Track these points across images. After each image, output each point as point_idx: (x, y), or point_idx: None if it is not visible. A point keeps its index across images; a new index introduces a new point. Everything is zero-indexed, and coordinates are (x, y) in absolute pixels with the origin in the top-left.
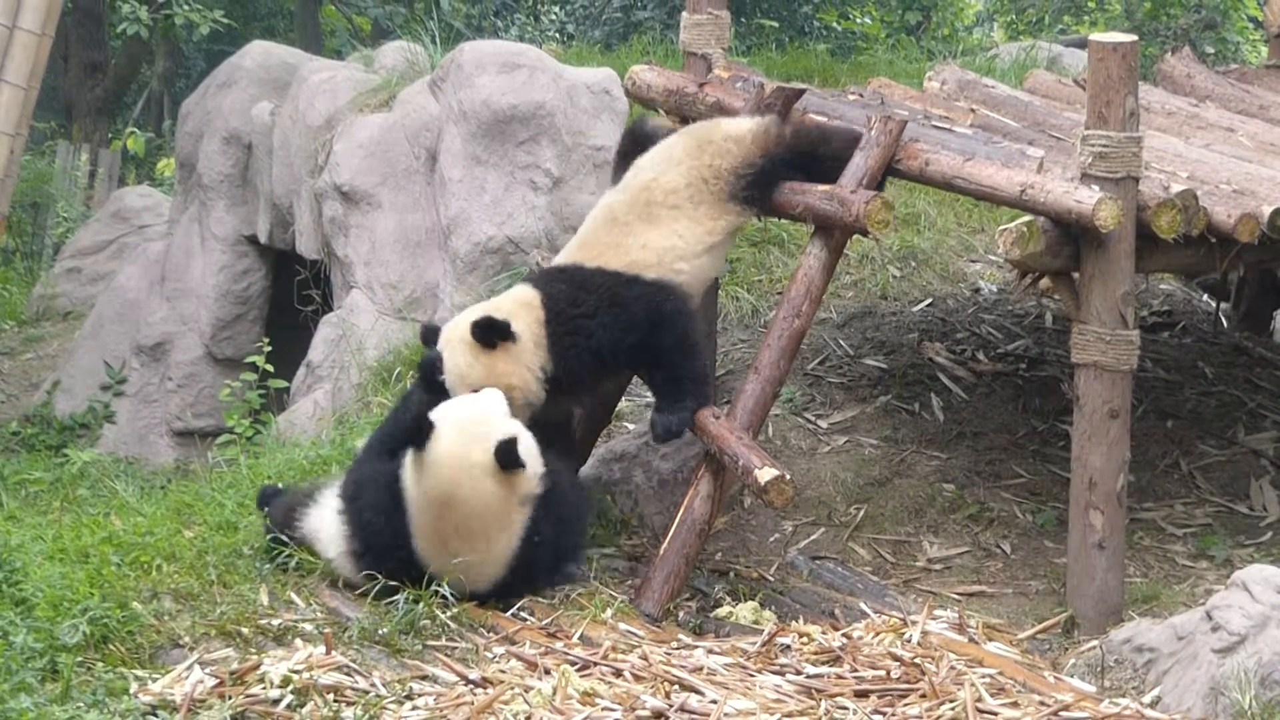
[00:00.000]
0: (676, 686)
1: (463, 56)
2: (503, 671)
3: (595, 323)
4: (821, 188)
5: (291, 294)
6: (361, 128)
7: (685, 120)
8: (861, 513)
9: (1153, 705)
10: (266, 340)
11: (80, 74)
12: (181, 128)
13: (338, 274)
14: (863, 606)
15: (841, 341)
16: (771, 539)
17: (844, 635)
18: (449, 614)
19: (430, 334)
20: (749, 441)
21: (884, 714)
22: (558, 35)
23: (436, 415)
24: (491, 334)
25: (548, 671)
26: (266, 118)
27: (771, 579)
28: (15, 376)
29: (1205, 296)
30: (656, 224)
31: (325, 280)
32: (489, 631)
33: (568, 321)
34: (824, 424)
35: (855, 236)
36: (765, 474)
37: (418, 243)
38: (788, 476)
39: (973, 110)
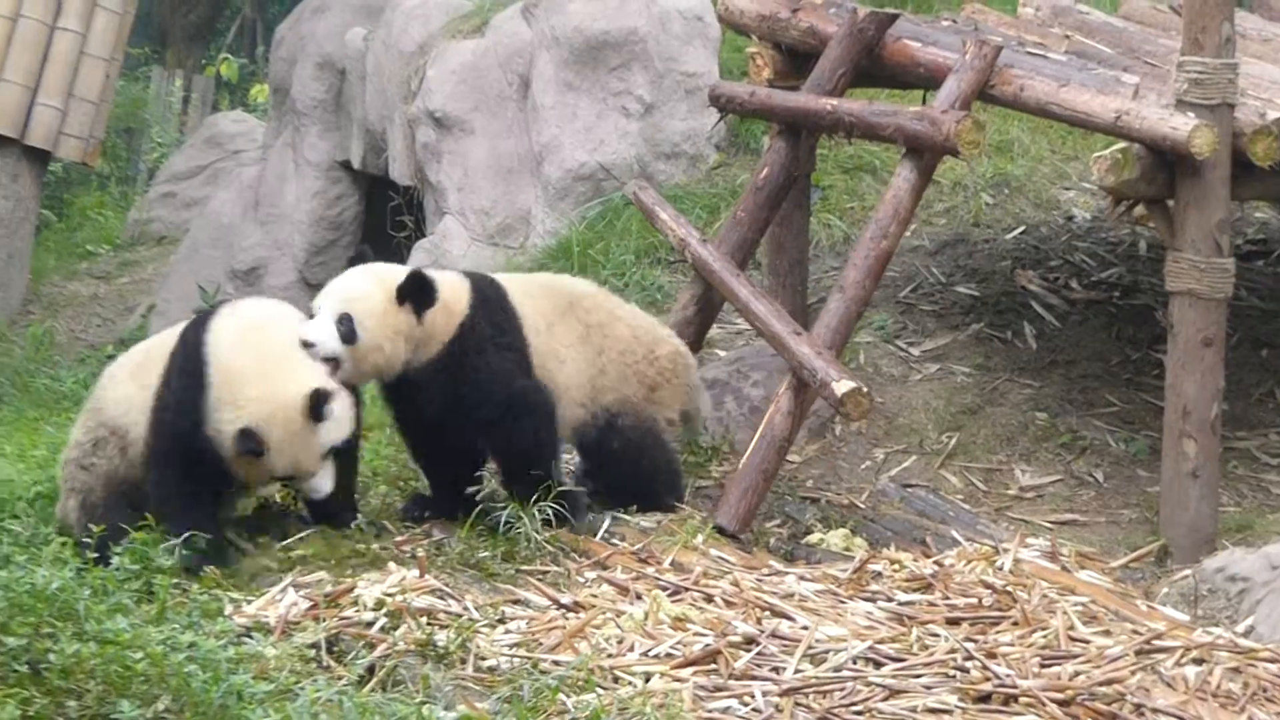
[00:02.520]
0: (767, 612)
1: None
2: (594, 596)
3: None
4: (912, 109)
5: (384, 219)
6: (454, 54)
7: (777, 47)
8: (953, 441)
9: (1246, 634)
10: None
11: None
12: (275, 53)
13: (430, 200)
14: (954, 534)
15: (934, 269)
16: (863, 466)
17: (935, 563)
18: (542, 538)
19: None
20: (828, 356)
21: (975, 641)
22: None
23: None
24: (417, 295)
25: (639, 597)
26: (360, 43)
27: (863, 506)
28: (110, 301)
29: None
30: None
31: (418, 206)
32: (581, 556)
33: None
34: (916, 351)
35: (949, 162)
36: (842, 386)
37: (510, 169)
38: (865, 389)
39: (1067, 36)
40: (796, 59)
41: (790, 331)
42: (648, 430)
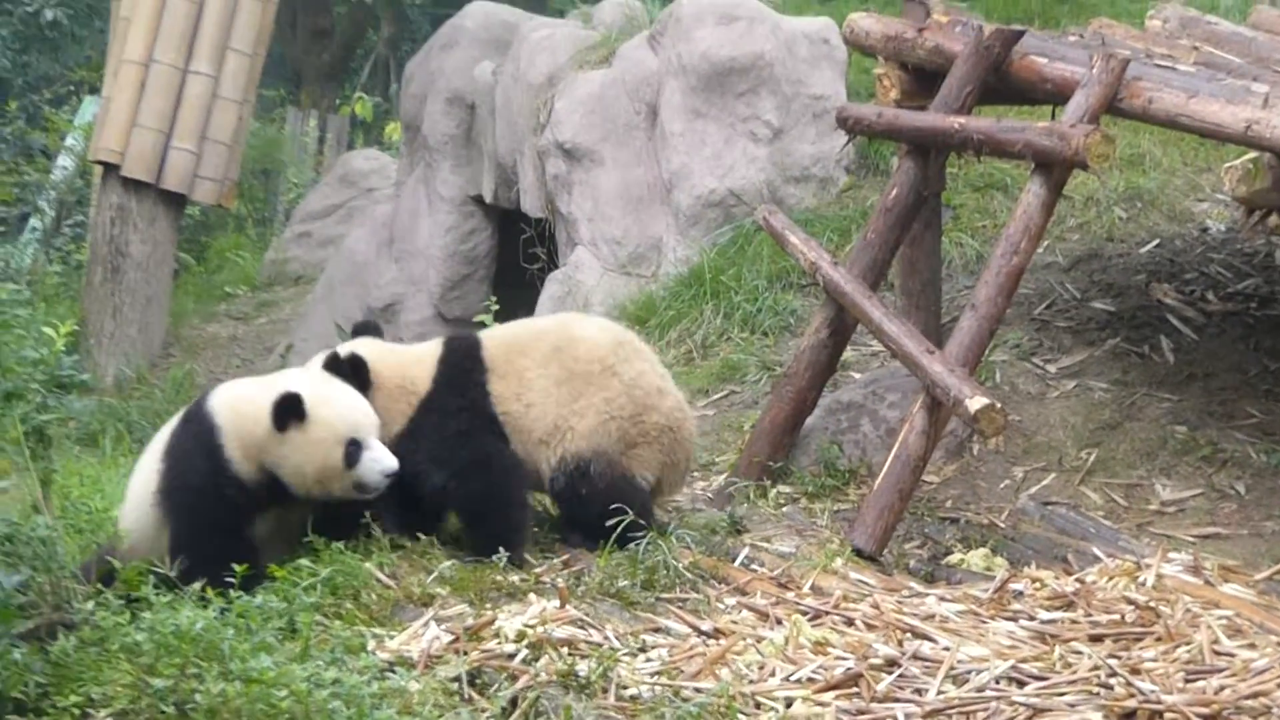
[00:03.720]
0: (908, 634)
1: (681, 10)
2: (735, 622)
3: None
4: (1040, 124)
5: (517, 252)
6: (582, 84)
7: (904, 68)
8: (1092, 457)
9: None
10: (494, 299)
11: (307, 41)
12: (406, 90)
13: (562, 231)
14: (1095, 551)
15: (1068, 285)
16: (1002, 485)
17: (1077, 580)
18: (682, 564)
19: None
20: (961, 374)
21: (1119, 658)
22: None
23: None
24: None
25: (779, 621)
26: (489, 77)
27: (1002, 525)
28: (249, 341)
29: None
30: None
31: (550, 238)
32: (721, 583)
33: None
34: (1052, 368)
35: (1080, 177)
36: (975, 403)
37: (640, 198)
38: (998, 405)
39: (1195, 48)
40: (923, 78)
41: (923, 350)
42: (619, 481)
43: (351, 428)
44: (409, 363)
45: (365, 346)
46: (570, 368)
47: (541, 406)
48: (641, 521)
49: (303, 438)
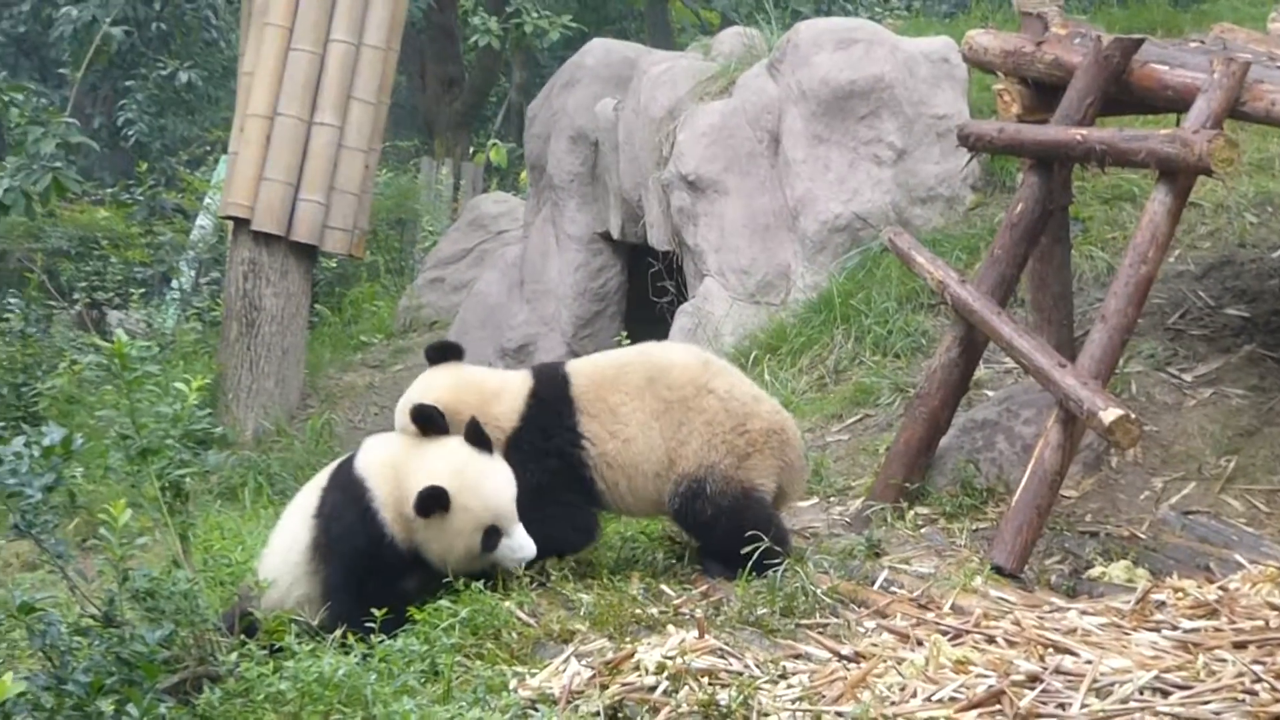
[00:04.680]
0: (1050, 649)
1: (799, 36)
2: (875, 645)
3: None
4: (1163, 131)
5: (646, 287)
6: (703, 115)
7: (1024, 82)
8: (1232, 464)
9: None
10: (625, 335)
11: (437, 89)
12: (529, 130)
13: (690, 263)
14: (1238, 558)
15: (1201, 293)
16: (1141, 496)
17: (1220, 588)
18: (821, 590)
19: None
20: (1094, 386)
21: (1263, 664)
22: (906, 12)
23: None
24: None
25: (920, 642)
26: (610, 113)
27: (1143, 536)
28: (386, 389)
29: None
30: None
31: (678, 270)
32: (860, 606)
33: None
34: (1188, 377)
35: (1209, 184)
36: (1109, 414)
37: (766, 226)
38: (1133, 416)
39: None
40: (1044, 92)
41: (1054, 364)
42: (739, 495)
43: (493, 515)
44: (490, 398)
45: (442, 382)
46: (665, 397)
47: (644, 440)
48: (776, 547)
49: (444, 524)
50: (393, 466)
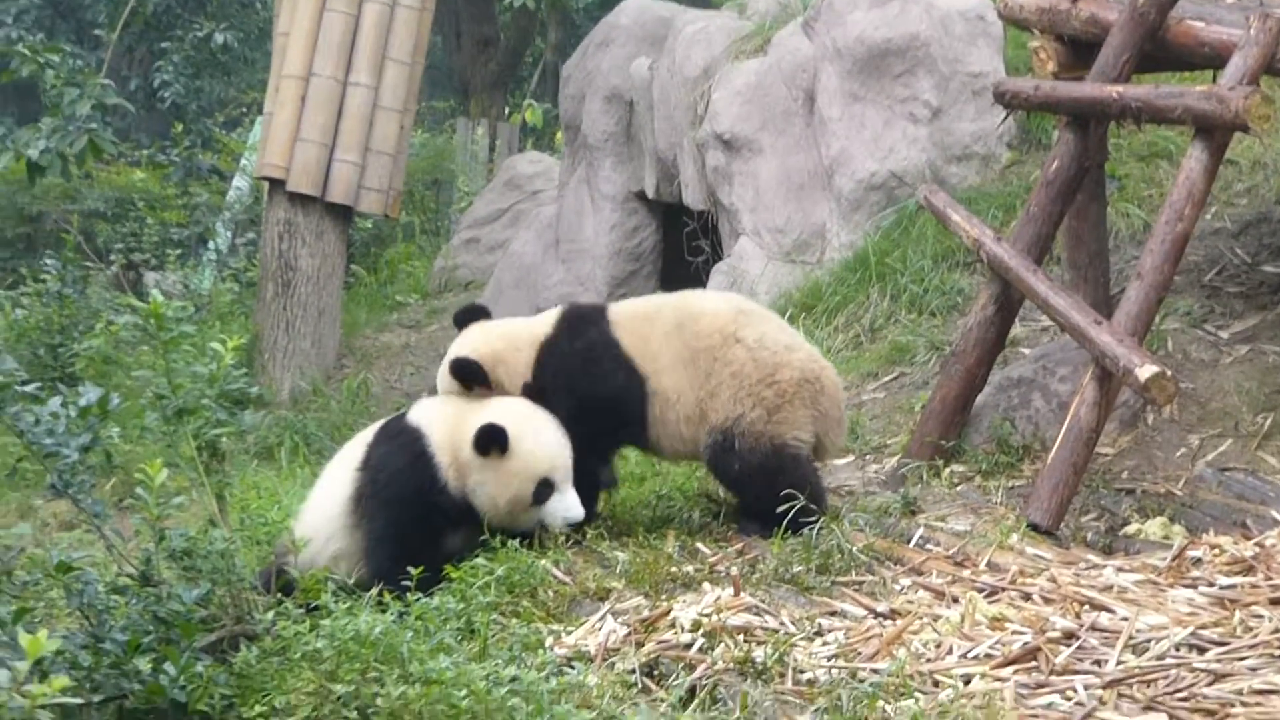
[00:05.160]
0: (1086, 606)
1: None
2: (910, 602)
3: None
4: (1199, 88)
5: (682, 246)
6: (738, 74)
7: (1060, 39)
8: (1269, 421)
9: None
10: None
11: (473, 50)
12: (564, 90)
13: (725, 222)
14: (1274, 514)
15: (1238, 250)
16: (1178, 454)
17: (1257, 544)
18: (857, 547)
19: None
20: (1130, 343)
21: None
22: None
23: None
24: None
25: (955, 600)
26: (645, 73)
27: (1179, 493)
28: (421, 349)
29: None
30: None
31: (713, 230)
32: (896, 564)
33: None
34: (1225, 334)
35: (1245, 141)
36: (1145, 371)
37: (801, 185)
38: (1168, 373)
39: None
40: (1080, 49)
41: (1090, 322)
42: (770, 451)
43: (548, 467)
44: (521, 330)
45: (474, 339)
46: (692, 345)
47: (673, 381)
48: (811, 505)
49: (501, 467)
50: (450, 416)
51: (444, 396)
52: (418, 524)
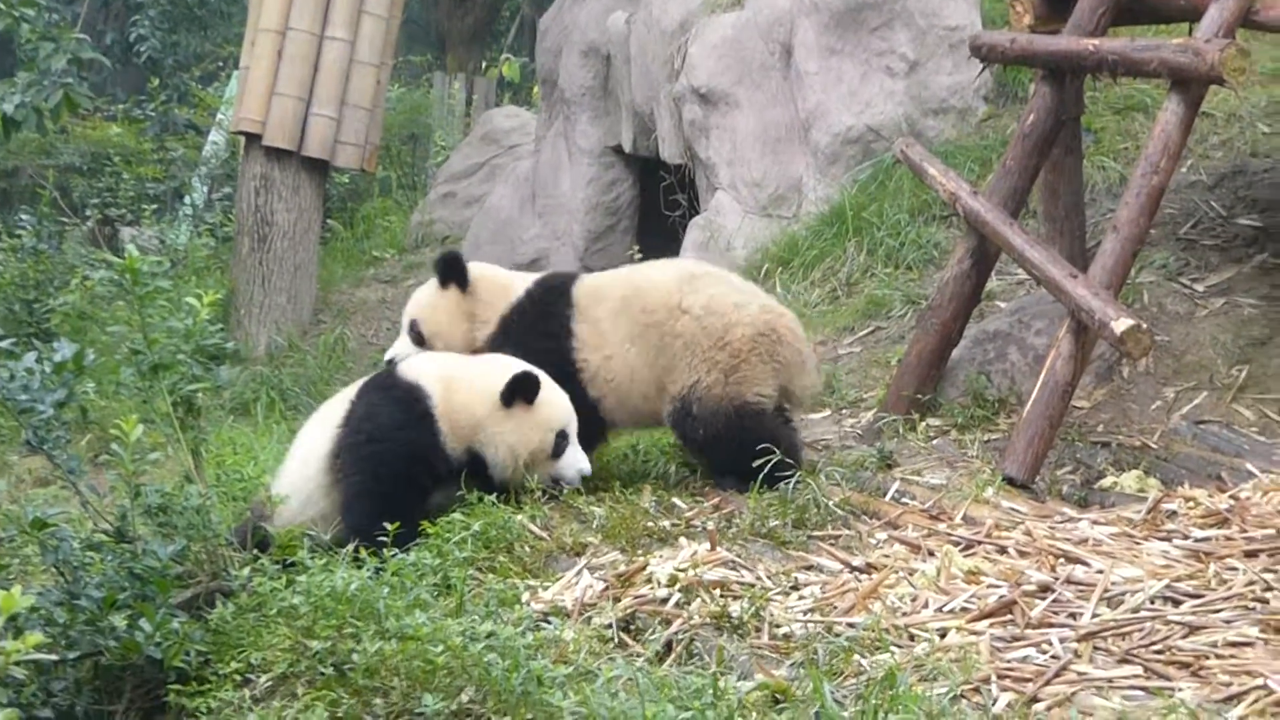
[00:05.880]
0: (1062, 559)
1: None
2: (886, 556)
3: None
4: (1175, 41)
5: (659, 201)
6: (715, 28)
7: None
8: (1244, 373)
9: None
10: (637, 249)
11: (450, 4)
12: (541, 44)
13: (701, 176)
14: (1249, 467)
15: (1213, 203)
16: (1153, 407)
17: (1231, 497)
18: (833, 501)
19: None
20: (1106, 296)
21: (1274, 572)
22: None
23: None
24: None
25: (931, 553)
26: (622, 26)
27: (1155, 446)
28: (398, 304)
29: None
30: None
31: (690, 184)
32: (872, 518)
33: None
34: (1200, 287)
35: (1220, 94)
36: (1121, 324)
37: (778, 139)
38: (1144, 326)
39: None
40: (1056, 3)
41: (1066, 275)
42: (731, 414)
43: (564, 420)
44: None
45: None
46: (640, 320)
47: (621, 361)
48: (787, 460)
49: (525, 418)
50: (446, 374)
51: (435, 355)
52: (405, 482)
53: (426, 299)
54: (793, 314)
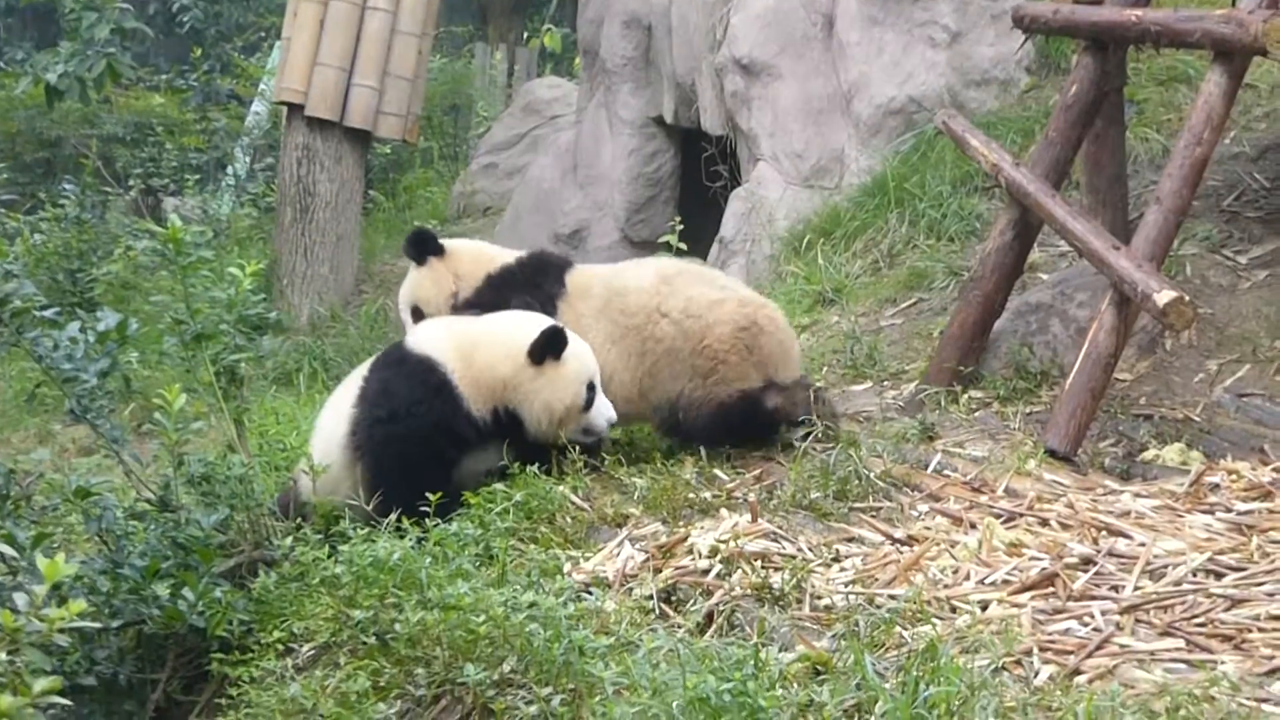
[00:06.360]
0: (1104, 532)
1: None
2: (928, 529)
3: None
4: (1219, 12)
5: (700, 172)
6: None
7: None
8: None
9: None
10: (679, 219)
11: None
12: (582, 15)
13: (743, 148)
14: None
15: (1257, 175)
16: (1196, 379)
17: (1274, 470)
18: (874, 473)
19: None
20: (1148, 268)
21: None
22: None
23: None
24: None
25: (973, 526)
26: None
27: (1198, 419)
28: None
29: None
30: None
31: (732, 155)
32: (913, 490)
33: None
34: (1243, 259)
35: (1265, 65)
36: (1163, 296)
37: (820, 110)
38: (1186, 298)
39: None
40: None
41: (1109, 247)
42: (717, 410)
43: (592, 370)
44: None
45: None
46: (621, 323)
47: (605, 357)
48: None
49: (556, 374)
50: (459, 339)
51: (432, 323)
52: (427, 459)
53: (413, 280)
54: (774, 305)
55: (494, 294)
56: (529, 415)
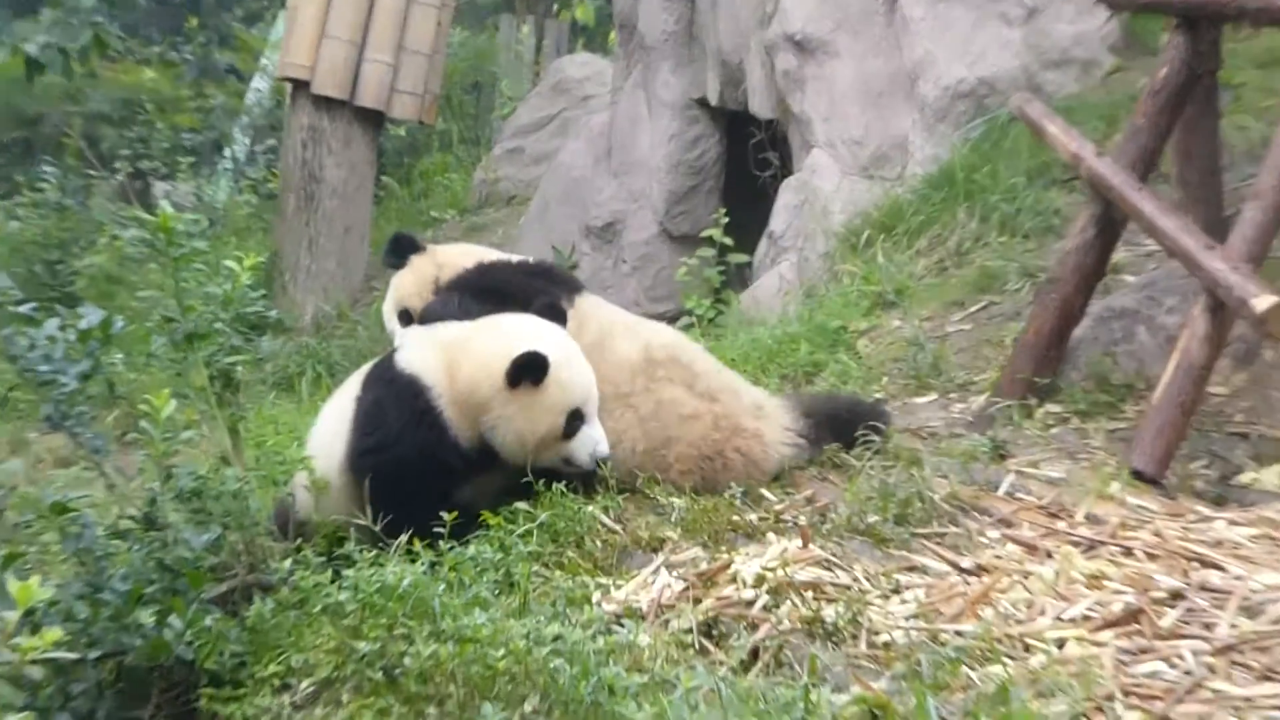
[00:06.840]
0: (1195, 563)
1: None
2: (999, 557)
3: None
4: None
5: (747, 159)
6: None
7: None
8: None
9: None
10: (724, 212)
11: None
12: None
13: (795, 133)
14: None
15: None
16: None
17: None
18: (939, 495)
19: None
20: (1245, 270)
21: None
22: None
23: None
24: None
25: (1049, 554)
26: None
27: None
28: None
29: None
30: None
31: (782, 141)
32: (983, 514)
33: None
34: None
35: None
36: (1262, 302)
37: (880, 92)
38: None
39: None
40: None
41: (1201, 246)
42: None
43: (581, 398)
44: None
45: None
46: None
47: None
48: None
49: (532, 400)
50: (448, 354)
51: (439, 326)
52: (420, 487)
53: (398, 283)
54: (770, 422)
55: (481, 275)
56: (500, 442)
